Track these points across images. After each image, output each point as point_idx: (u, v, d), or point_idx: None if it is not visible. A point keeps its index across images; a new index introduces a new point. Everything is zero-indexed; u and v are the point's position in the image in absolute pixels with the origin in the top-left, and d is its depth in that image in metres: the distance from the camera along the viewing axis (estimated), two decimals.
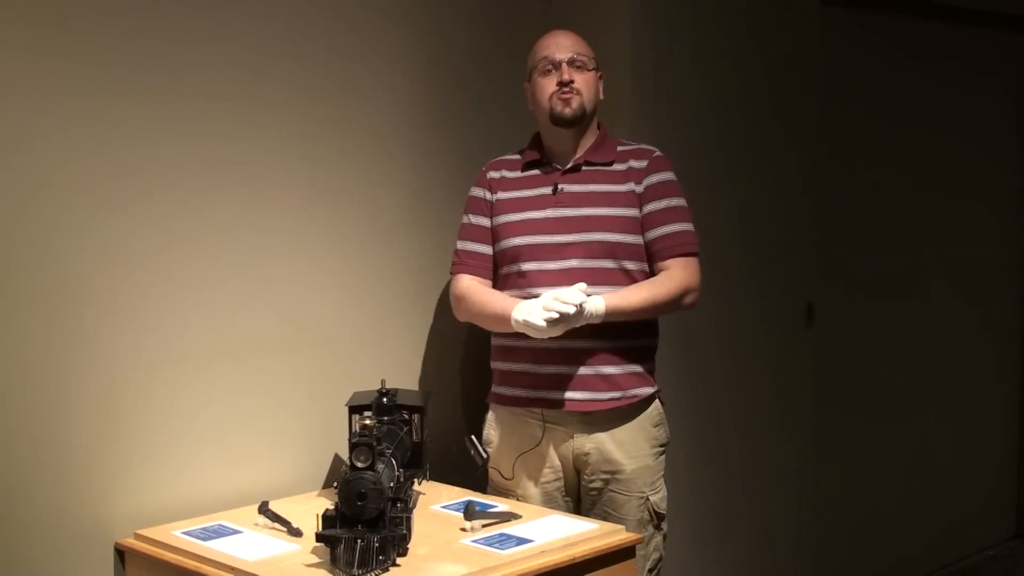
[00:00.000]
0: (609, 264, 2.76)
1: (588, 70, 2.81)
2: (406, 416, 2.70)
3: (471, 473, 2.83)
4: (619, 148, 2.86)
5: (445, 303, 3.09)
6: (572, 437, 2.79)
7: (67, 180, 2.41)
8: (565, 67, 2.78)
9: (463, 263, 2.87)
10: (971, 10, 4.61)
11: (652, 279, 2.78)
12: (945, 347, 4.73)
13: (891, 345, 4.46)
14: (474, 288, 2.84)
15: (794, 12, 3.83)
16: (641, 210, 2.79)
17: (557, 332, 2.63)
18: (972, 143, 4.80)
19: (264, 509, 2.55)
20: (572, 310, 2.59)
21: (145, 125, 2.52)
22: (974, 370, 4.91)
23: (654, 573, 2.85)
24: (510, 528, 2.47)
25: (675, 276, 2.77)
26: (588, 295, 2.63)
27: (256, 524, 2.50)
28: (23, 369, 2.36)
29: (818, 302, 3.98)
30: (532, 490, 2.81)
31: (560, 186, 2.81)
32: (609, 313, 2.67)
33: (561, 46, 2.81)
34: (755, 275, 3.74)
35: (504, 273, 2.84)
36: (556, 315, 2.59)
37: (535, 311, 2.62)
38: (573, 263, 2.75)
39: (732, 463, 3.72)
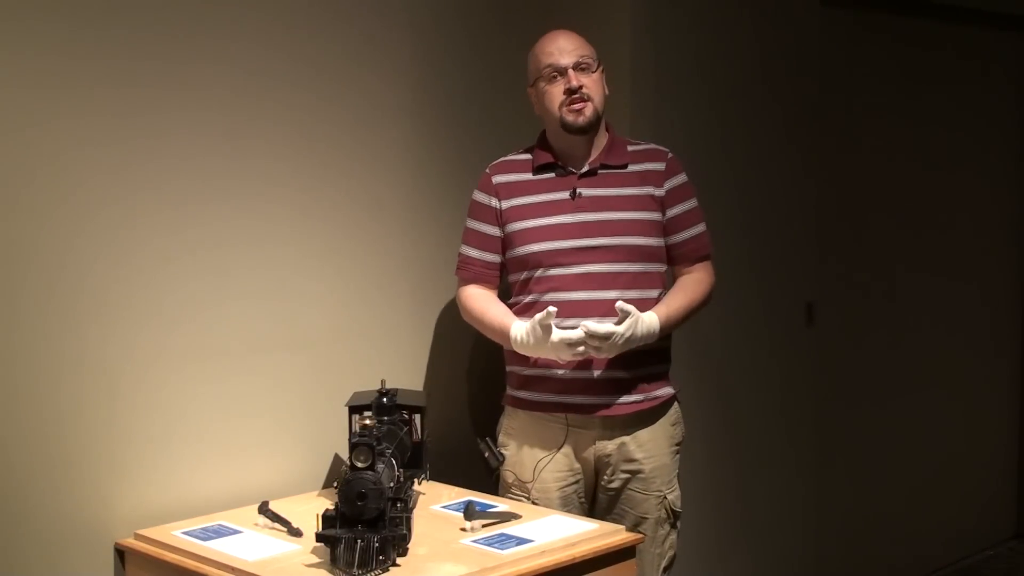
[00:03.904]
0: (634, 268, 2.75)
1: (593, 71, 2.77)
2: (406, 416, 2.70)
3: (486, 476, 2.82)
4: (630, 148, 2.84)
5: (446, 302, 3.09)
6: (595, 440, 2.78)
7: (62, 176, 2.40)
8: (572, 73, 2.73)
9: (466, 268, 2.84)
10: (971, 10, 4.60)
11: (681, 284, 2.81)
12: (946, 347, 4.72)
13: (892, 345, 4.46)
14: (474, 297, 2.82)
15: (794, 11, 3.83)
16: (664, 214, 2.79)
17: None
18: (972, 142, 4.80)
19: (264, 509, 2.55)
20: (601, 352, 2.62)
21: (143, 121, 2.51)
22: (975, 370, 4.90)
23: (668, 572, 2.85)
24: (510, 528, 2.47)
25: (703, 279, 2.83)
26: (625, 309, 2.60)
27: (256, 524, 2.50)
28: (22, 369, 2.36)
29: (818, 301, 3.98)
30: (552, 493, 2.79)
31: (579, 190, 2.78)
32: (663, 327, 2.69)
33: (564, 50, 2.75)
34: (755, 274, 3.74)
35: (521, 279, 2.79)
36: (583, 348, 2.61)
37: (559, 345, 2.61)
38: (597, 267, 2.72)
39: (731, 462, 3.72)
